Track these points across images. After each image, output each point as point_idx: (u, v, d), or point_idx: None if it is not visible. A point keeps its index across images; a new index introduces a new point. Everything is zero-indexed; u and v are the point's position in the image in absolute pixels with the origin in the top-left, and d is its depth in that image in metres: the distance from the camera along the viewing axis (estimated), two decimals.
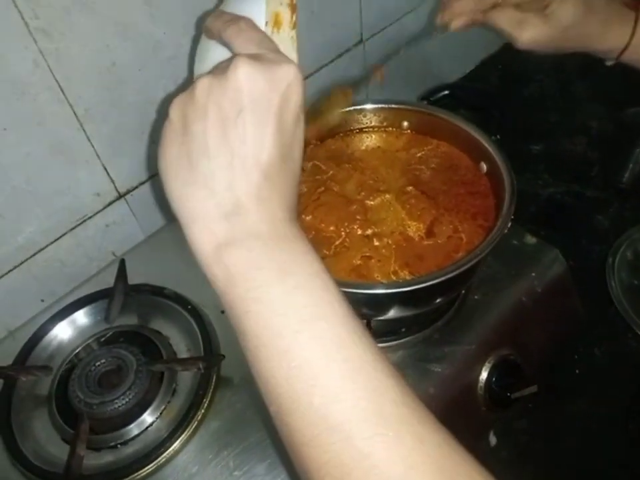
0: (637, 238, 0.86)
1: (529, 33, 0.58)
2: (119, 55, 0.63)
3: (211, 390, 0.58)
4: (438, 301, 0.55)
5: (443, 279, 0.47)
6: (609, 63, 0.60)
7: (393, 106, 0.66)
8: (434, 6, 0.97)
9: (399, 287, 0.48)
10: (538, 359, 0.65)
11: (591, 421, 0.69)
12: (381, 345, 0.59)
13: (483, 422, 0.61)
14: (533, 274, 0.64)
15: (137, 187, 0.75)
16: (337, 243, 0.57)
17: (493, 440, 0.68)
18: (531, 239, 0.68)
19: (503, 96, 1.11)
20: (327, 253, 0.57)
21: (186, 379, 0.60)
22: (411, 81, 1.03)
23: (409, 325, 0.59)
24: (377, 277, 0.53)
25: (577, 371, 0.74)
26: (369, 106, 0.66)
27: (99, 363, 0.60)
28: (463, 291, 0.62)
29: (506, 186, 0.54)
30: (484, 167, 0.60)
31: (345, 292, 0.48)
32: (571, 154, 1.00)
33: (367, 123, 0.67)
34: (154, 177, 0.76)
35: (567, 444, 0.68)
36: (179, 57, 0.69)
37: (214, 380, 0.58)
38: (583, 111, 1.07)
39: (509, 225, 0.51)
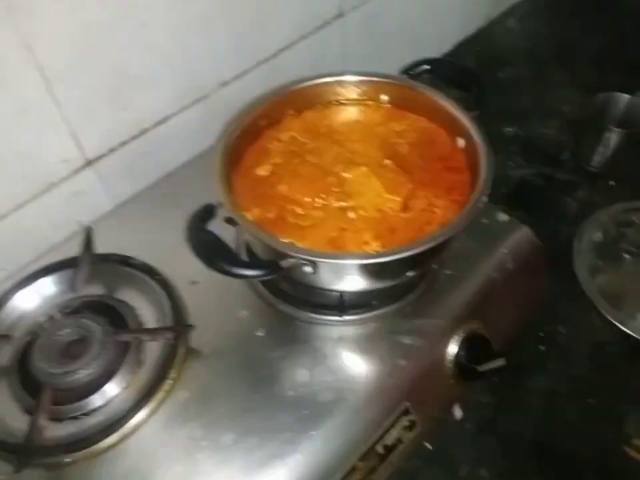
0: (604, 220, 0.88)
1: None
2: (92, 15, 0.61)
3: (179, 361, 0.57)
4: (408, 274, 0.55)
5: (411, 252, 0.47)
6: None
7: (373, 79, 0.65)
8: None
9: (367, 258, 0.48)
10: (506, 334, 0.66)
11: (553, 396, 0.71)
12: (352, 317, 0.59)
13: (450, 395, 0.62)
14: (505, 251, 0.65)
15: (106, 155, 0.73)
16: (313, 214, 0.56)
17: (458, 413, 0.69)
18: (503, 216, 0.68)
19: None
20: (303, 224, 0.56)
21: (154, 349, 0.59)
22: (389, 57, 1.02)
23: (381, 297, 0.59)
24: (351, 248, 0.53)
25: (542, 348, 0.75)
26: (348, 78, 0.65)
27: (62, 333, 0.58)
28: (436, 266, 0.63)
29: (483, 161, 0.54)
30: (461, 142, 0.60)
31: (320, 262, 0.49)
32: (543, 137, 1.01)
33: (346, 96, 0.66)
34: (125, 143, 0.74)
35: (528, 418, 0.70)
36: (152, 23, 0.67)
37: (183, 350, 0.57)
38: (555, 95, 1.08)
39: (484, 200, 0.51)
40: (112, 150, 0.73)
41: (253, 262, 0.49)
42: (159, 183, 0.76)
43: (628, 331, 0.75)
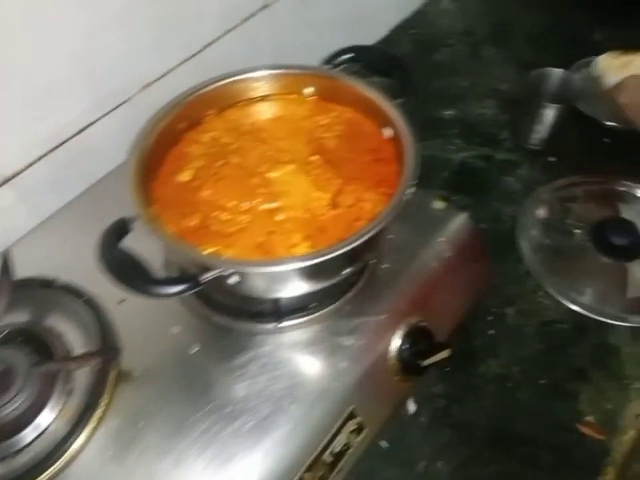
0: (545, 197, 0.88)
1: None
2: None
3: (110, 386, 0.54)
4: (343, 272, 0.53)
5: (336, 252, 0.45)
6: None
7: (295, 71, 0.62)
8: None
9: (295, 262, 0.46)
10: (450, 323, 0.65)
11: (505, 380, 0.71)
12: (290, 322, 0.57)
13: (398, 392, 0.61)
14: (442, 239, 0.64)
15: (24, 170, 0.69)
16: (239, 219, 0.54)
17: (412, 407, 0.68)
18: (439, 204, 0.67)
19: (416, 60, 1.11)
20: (229, 230, 0.53)
21: (84, 376, 0.55)
22: (322, 45, 0.99)
23: (319, 299, 0.57)
24: (280, 252, 0.51)
25: (491, 332, 0.75)
26: (268, 72, 0.62)
27: None
28: (373, 260, 0.61)
29: (408, 150, 0.52)
30: (387, 132, 0.58)
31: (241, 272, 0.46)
32: (481, 117, 1.01)
33: (268, 91, 0.63)
34: (44, 157, 0.69)
35: (483, 405, 0.69)
36: (62, 23, 0.63)
37: (113, 375, 0.54)
38: (492, 74, 1.08)
39: (411, 190, 0.49)
40: (30, 165, 0.69)
41: (168, 279, 0.46)
42: (84, 196, 0.72)
43: (575, 308, 0.76)
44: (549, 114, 0.89)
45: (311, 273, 0.50)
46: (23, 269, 0.62)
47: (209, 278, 0.45)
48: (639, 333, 0.73)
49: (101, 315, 0.58)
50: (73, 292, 0.60)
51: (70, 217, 0.69)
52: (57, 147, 0.70)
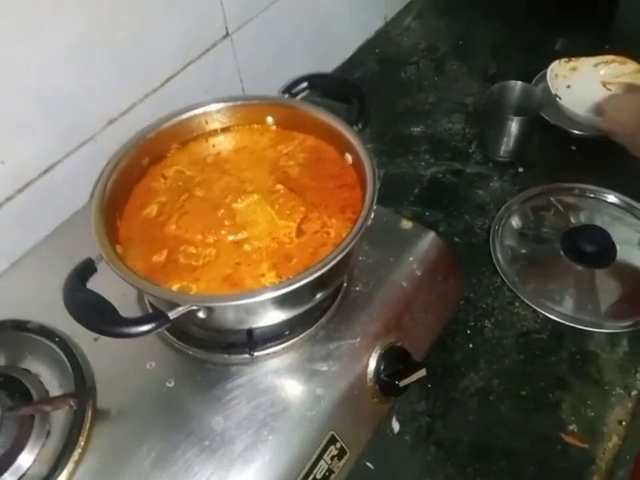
0: (517, 208, 0.89)
1: None
2: None
3: (87, 426, 0.53)
4: (314, 299, 0.53)
5: (305, 280, 0.45)
6: None
7: (254, 102, 0.63)
8: None
9: (260, 295, 0.46)
10: (426, 341, 0.65)
11: (486, 393, 0.71)
12: (264, 351, 0.57)
13: (378, 413, 0.61)
14: (411, 258, 0.64)
15: None
16: (206, 252, 0.54)
17: (396, 426, 0.68)
18: (406, 224, 0.68)
19: (383, 79, 1.13)
20: (196, 264, 0.54)
21: (60, 417, 0.55)
22: (286, 70, 1.01)
23: (293, 326, 0.58)
24: (248, 282, 0.51)
25: (470, 345, 0.75)
26: (227, 104, 0.63)
27: None
28: (345, 284, 0.61)
29: (367, 175, 0.53)
30: (349, 157, 0.59)
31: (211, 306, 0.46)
32: (449, 132, 1.02)
33: (229, 122, 0.64)
34: (11, 198, 0.69)
35: (466, 419, 0.69)
36: (17, 63, 0.63)
37: (89, 415, 0.54)
38: (457, 89, 1.10)
39: (372, 215, 0.50)
40: None
41: (136, 317, 0.46)
42: (53, 235, 0.72)
43: (551, 316, 0.76)
44: (514, 126, 0.91)
45: (281, 302, 0.50)
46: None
47: (178, 315, 0.45)
48: (616, 338, 0.74)
49: (75, 354, 0.58)
50: (46, 333, 0.60)
51: (40, 257, 0.69)
52: (23, 187, 0.70)
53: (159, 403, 0.55)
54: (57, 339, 0.59)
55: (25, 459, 0.53)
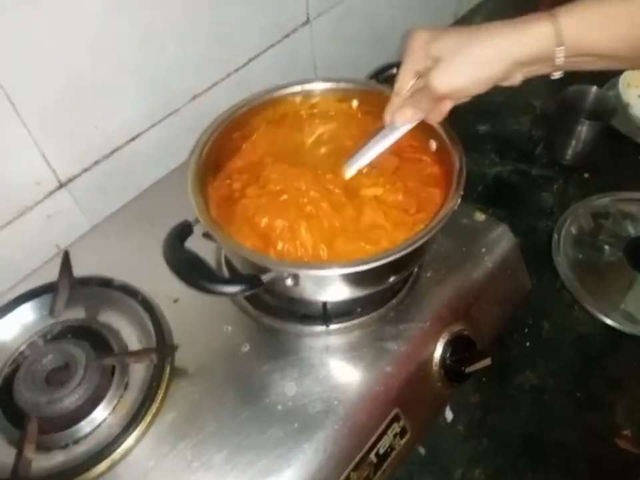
0: (581, 213, 0.89)
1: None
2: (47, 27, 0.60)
3: (165, 381, 0.56)
4: (391, 279, 0.55)
5: (391, 258, 0.47)
6: (556, 76, 0.50)
7: (343, 85, 0.65)
8: None
9: (349, 267, 0.48)
10: (490, 332, 0.66)
11: (541, 391, 0.72)
12: (337, 325, 0.59)
13: (439, 398, 0.62)
14: (483, 249, 0.66)
15: (79, 175, 0.72)
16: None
17: (449, 415, 0.70)
18: (480, 216, 0.69)
19: None
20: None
21: (139, 371, 0.58)
22: (359, 60, 1.03)
23: (365, 304, 0.59)
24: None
25: (527, 344, 0.76)
26: (317, 85, 0.65)
27: (45, 360, 0.57)
28: (416, 269, 0.63)
29: (455, 161, 0.54)
30: (433, 144, 0.61)
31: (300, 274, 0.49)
32: (516, 133, 1.02)
33: (317, 104, 0.66)
34: (98, 162, 0.73)
35: (518, 415, 0.70)
36: (118, 35, 0.66)
37: (168, 371, 0.57)
38: (526, 90, 1.09)
39: (458, 202, 0.52)
40: (85, 170, 0.72)
41: (232, 278, 0.48)
42: (135, 201, 0.75)
43: (609, 322, 0.76)
44: (584, 130, 0.91)
45: (361, 279, 0.52)
46: (81, 268, 0.65)
47: (270, 278, 0.48)
48: None
49: (155, 313, 0.61)
50: (128, 291, 0.63)
51: (123, 221, 0.72)
52: (110, 154, 0.74)
53: (234, 366, 0.57)
54: (139, 297, 0.62)
55: (103, 409, 0.56)
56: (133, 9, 0.66)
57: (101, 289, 0.64)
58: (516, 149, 0.99)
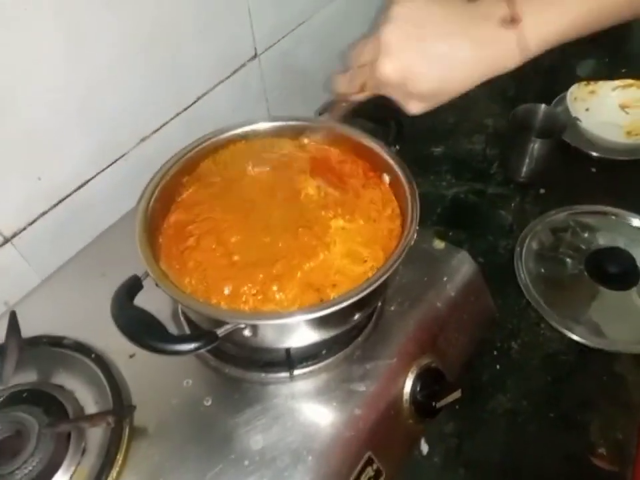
0: (540, 229, 0.90)
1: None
2: None
3: (124, 444, 0.53)
4: (355, 318, 0.54)
5: (352, 300, 0.45)
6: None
7: (293, 123, 0.64)
8: (326, 16, 0.98)
9: (310, 313, 0.46)
10: (458, 361, 0.65)
11: (515, 414, 0.71)
12: (302, 370, 0.57)
13: (412, 434, 0.61)
14: (445, 278, 0.65)
15: (24, 228, 0.69)
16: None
17: (424, 448, 0.68)
18: (439, 244, 0.68)
19: None
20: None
21: (96, 434, 0.55)
22: (310, 91, 1.02)
23: (330, 345, 0.58)
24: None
25: (497, 367, 0.75)
26: (266, 124, 0.64)
27: None
28: (379, 304, 0.62)
29: (408, 195, 0.54)
30: (387, 178, 0.60)
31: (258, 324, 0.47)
32: (470, 153, 1.03)
33: (265, 141, 0.65)
34: (44, 214, 0.70)
35: (494, 440, 0.69)
36: (56, 82, 0.64)
37: (126, 432, 0.54)
38: (478, 110, 1.11)
39: (414, 237, 0.51)
40: (31, 223, 0.69)
41: (185, 336, 0.46)
42: (86, 251, 0.72)
43: (577, 338, 0.76)
44: (537, 148, 0.92)
45: (325, 322, 0.51)
46: (30, 327, 0.62)
47: (225, 332, 0.46)
48: None
49: (111, 371, 0.58)
50: (82, 349, 0.60)
51: (74, 273, 0.69)
52: (56, 203, 0.71)
53: (196, 422, 0.55)
54: (92, 355, 0.59)
55: (61, 477, 0.52)
56: (73, 51, 0.64)
57: (52, 348, 0.61)
58: (471, 169, 1.00)
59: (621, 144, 0.99)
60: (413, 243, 0.50)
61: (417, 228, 0.51)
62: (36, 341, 0.61)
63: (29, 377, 0.60)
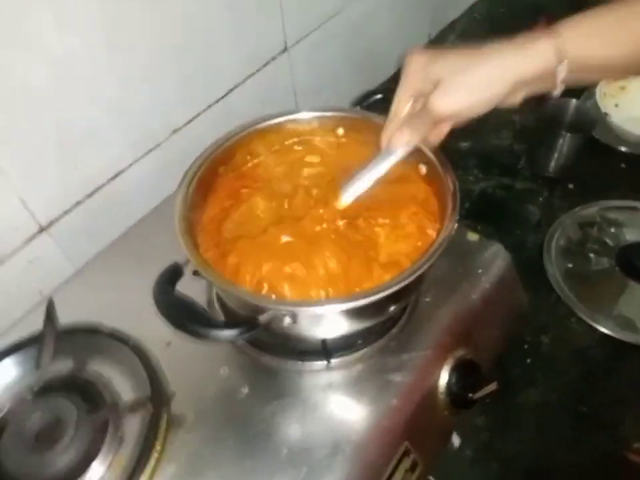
0: (568, 224, 0.89)
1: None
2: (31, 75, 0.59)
3: (162, 432, 0.53)
4: (392, 309, 0.54)
5: (392, 289, 0.45)
6: (556, 93, 0.50)
7: (328, 113, 0.64)
8: (355, 12, 0.98)
9: (349, 302, 0.46)
10: (492, 354, 0.65)
11: (545, 408, 0.71)
12: (338, 360, 0.57)
13: (447, 426, 0.61)
14: (480, 271, 0.65)
15: (60, 217, 0.70)
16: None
17: (456, 441, 0.68)
18: (473, 236, 0.68)
19: None
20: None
21: (134, 423, 0.55)
22: (338, 85, 1.02)
23: (365, 336, 0.58)
24: None
25: (528, 361, 0.75)
26: (303, 115, 0.64)
27: (33, 418, 0.54)
28: (415, 295, 0.61)
29: (449, 185, 0.53)
30: (423, 168, 0.60)
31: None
32: (497, 148, 1.03)
33: (303, 133, 0.65)
34: (79, 203, 0.71)
35: (524, 434, 0.69)
36: (95, 75, 0.65)
37: (164, 421, 0.54)
38: None
39: (455, 226, 0.51)
40: (66, 212, 0.70)
41: (227, 322, 0.46)
42: (120, 240, 0.72)
43: (608, 332, 0.76)
44: (566, 143, 0.91)
45: (362, 312, 0.51)
46: (66, 315, 0.62)
47: (266, 319, 0.46)
48: None
49: (148, 360, 0.58)
50: (118, 338, 0.60)
51: (108, 262, 0.70)
52: (92, 193, 0.72)
53: (234, 410, 0.55)
54: (130, 343, 0.60)
55: (99, 467, 0.53)
56: (113, 46, 0.64)
57: (88, 336, 0.61)
58: (498, 164, 0.99)
59: None
60: (453, 232, 0.50)
61: (458, 218, 0.51)
62: (73, 329, 0.62)
63: (66, 365, 0.60)
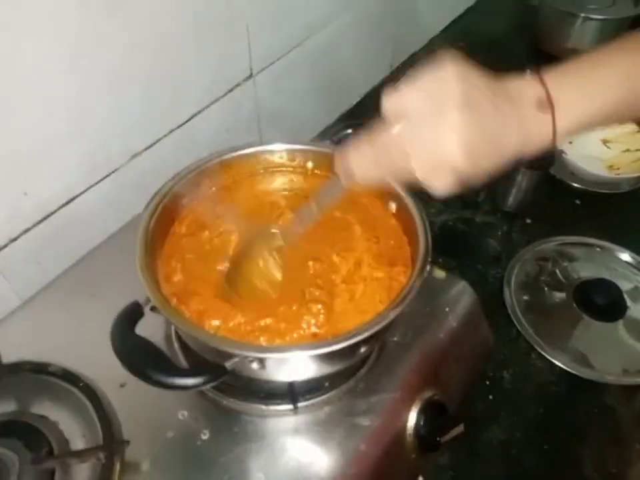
0: (527, 258, 0.91)
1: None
2: None
3: None
4: (361, 351, 0.52)
5: (363, 335, 0.44)
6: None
7: (299, 147, 0.62)
8: (321, 40, 0.98)
9: (319, 348, 0.44)
10: (458, 393, 0.64)
11: (509, 445, 0.71)
12: (305, 403, 0.55)
13: (414, 469, 0.59)
14: (447, 309, 0.64)
15: (5, 245, 0.65)
16: None
17: None
18: (440, 274, 0.67)
19: None
20: None
21: (84, 471, 0.51)
22: (302, 112, 1.02)
23: (333, 378, 0.56)
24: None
25: (490, 397, 0.75)
26: (275, 147, 0.62)
27: None
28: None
29: (418, 225, 0.53)
30: (392, 206, 0.59)
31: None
32: None
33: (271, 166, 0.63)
34: (28, 230, 0.66)
35: (490, 473, 0.68)
36: (50, 93, 0.61)
37: (117, 469, 0.50)
38: None
39: (428, 268, 0.50)
40: (13, 240, 0.66)
41: (192, 369, 0.44)
42: (73, 270, 0.68)
43: (567, 369, 0.77)
44: (524, 179, 0.93)
45: (331, 356, 0.49)
46: (10, 352, 0.58)
47: (233, 365, 0.43)
48: (632, 392, 0.75)
49: (100, 402, 0.54)
50: (68, 378, 0.56)
51: (60, 294, 0.66)
52: (41, 220, 0.67)
53: (193, 456, 0.52)
54: (80, 384, 0.56)
55: None
56: (67, 66, 0.61)
57: (35, 375, 0.57)
58: (459, 198, 1.00)
59: (603, 177, 1.01)
60: (428, 273, 0.49)
61: (430, 259, 0.51)
62: (17, 368, 0.57)
63: (9, 406, 0.56)
